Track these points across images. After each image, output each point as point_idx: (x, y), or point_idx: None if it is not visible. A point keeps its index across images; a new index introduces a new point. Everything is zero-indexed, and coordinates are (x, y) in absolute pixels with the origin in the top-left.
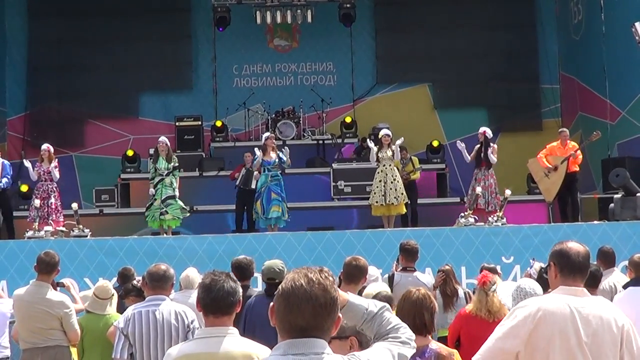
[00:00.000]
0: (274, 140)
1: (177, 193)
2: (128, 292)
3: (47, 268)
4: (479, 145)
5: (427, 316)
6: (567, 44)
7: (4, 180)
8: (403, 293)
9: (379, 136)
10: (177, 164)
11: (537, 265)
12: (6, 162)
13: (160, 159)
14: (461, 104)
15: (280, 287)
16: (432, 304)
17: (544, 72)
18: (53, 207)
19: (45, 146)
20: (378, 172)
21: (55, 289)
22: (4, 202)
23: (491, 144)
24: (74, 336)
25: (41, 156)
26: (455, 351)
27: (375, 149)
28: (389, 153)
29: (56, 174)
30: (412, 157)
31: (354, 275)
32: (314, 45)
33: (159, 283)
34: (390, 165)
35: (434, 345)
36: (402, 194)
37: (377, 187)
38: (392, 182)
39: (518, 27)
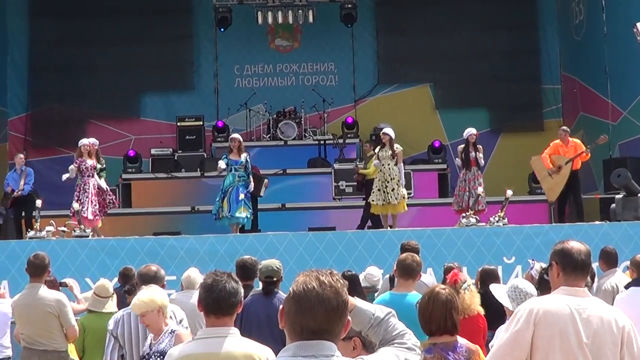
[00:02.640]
0: (237, 142)
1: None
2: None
3: (37, 270)
4: (464, 146)
5: (455, 316)
6: (568, 44)
7: (26, 186)
8: (425, 291)
9: (380, 134)
10: (104, 166)
11: (538, 266)
12: (30, 169)
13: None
14: (462, 104)
15: (291, 289)
16: (456, 303)
17: (545, 73)
18: (101, 204)
19: (87, 141)
20: (379, 172)
21: (58, 289)
22: (28, 204)
23: (478, 146)
24: (72, 332)
25: (80, 151)
26: (479, 347)
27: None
28: (389, 152)
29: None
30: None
31: (412, 270)
32: (315, 46)
33: (149, 284)
34: (389, 164)
35: (462, 340)
36: (401, 192)
37: (376, 186)
38: (389, 182)
39: (519, 28)
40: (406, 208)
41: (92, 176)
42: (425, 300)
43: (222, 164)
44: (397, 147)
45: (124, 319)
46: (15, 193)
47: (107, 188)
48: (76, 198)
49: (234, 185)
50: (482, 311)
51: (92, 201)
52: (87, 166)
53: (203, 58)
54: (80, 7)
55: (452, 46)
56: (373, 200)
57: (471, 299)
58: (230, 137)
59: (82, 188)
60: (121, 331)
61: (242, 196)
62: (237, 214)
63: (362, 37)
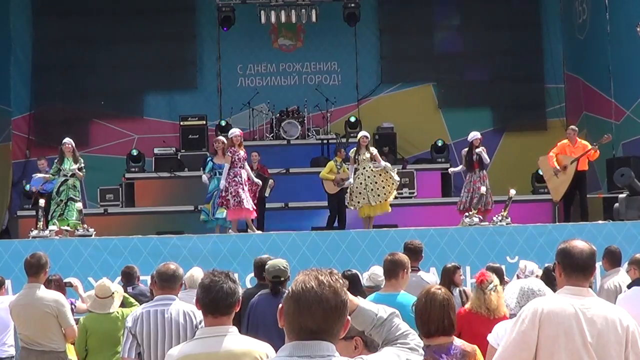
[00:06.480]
0: (222, 144)
1: (78, 197)
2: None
3: (33, 270)
4: (467, 149)
5: (453, 316)
6: (571, 44)
7: (49, 185)
8: (421, 292)
9: (357, 138)
10: (82, 165)
11: (522, 265)
12: (48, 168)
13: (66, 159)
14: (465, 104)
15: (290, 289)
16: (453, 302)
17: (548, 72)
18: (250, 195)
19: (239, 131)
20: (358, 176)
21: (63, 288)
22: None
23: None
24: (71, 332)
25: (232, 141)
26: (476, 347)
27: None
28: (367, 155)
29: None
30: (344, 164)
31: (390, 270)
32: (318, 45)
33: (168, 283)
34: (369, 167)
35: (458, 342)
36: (385, 193)
37: (357, 188)
38: (372, 184)
39: (522, 27)
40: (390, 208)
41: (243, 167)
42: (422, 302)
43: (204, 179)
44: (372, 149)
45: (143, 316)
46: (38, 187)
47: (255, 180)
48: (225, 189)
49: (219, 189)
50: (507, 313)
51: (247, 192)
52: (239, 157)
53: (206, 57)
54: (84, 6)
55: (455, 45)
56: (359, 203)
57: (498, 300)
58: (215, 138)
59: (232, 179)
60: (140, 329)
61: None
62: (217, 215)
63: (365, 37)
